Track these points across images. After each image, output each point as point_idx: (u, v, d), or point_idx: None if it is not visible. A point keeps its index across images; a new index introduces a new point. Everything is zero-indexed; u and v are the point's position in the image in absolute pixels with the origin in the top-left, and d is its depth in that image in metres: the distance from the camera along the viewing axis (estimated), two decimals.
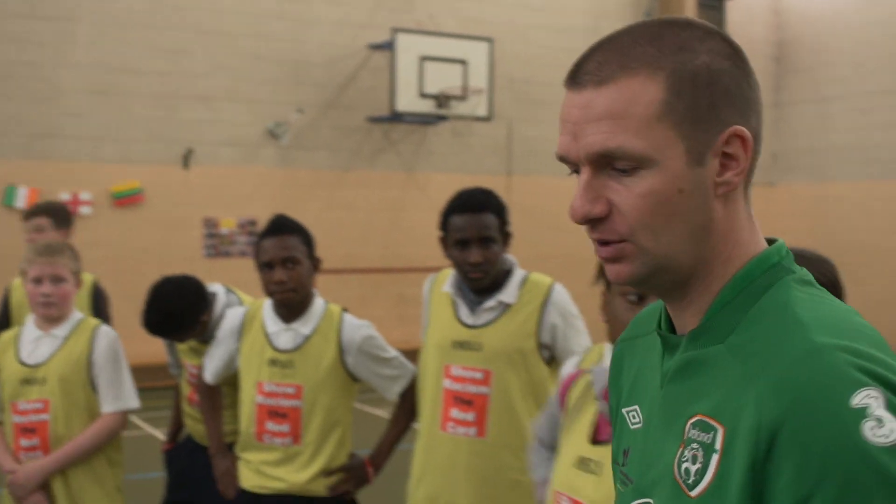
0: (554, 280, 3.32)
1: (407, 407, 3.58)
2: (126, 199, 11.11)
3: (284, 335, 3.43)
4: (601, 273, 2.15)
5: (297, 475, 3.39)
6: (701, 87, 1.09)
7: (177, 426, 4.35)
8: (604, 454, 2.07)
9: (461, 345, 3.26)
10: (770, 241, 1.16)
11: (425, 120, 12.46)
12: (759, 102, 1.14)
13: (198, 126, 11.51)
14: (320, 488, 3.40)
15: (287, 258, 3.34)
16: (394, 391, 3.55)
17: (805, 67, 15.09)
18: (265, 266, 3.36)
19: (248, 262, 8.85)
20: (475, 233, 3.17)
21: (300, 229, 3.44)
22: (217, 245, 11.49)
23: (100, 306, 4.66)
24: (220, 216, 11.57)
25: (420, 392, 3.41)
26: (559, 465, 2.19)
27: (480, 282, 3.23)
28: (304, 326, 3.43)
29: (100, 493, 3.56)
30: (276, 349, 3.42)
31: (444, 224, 3.25)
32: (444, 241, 3.27)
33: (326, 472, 3.41)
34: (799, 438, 0.96)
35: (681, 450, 1.07)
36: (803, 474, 0.95)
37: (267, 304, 3.50)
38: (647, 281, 1.13)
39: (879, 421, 0.94)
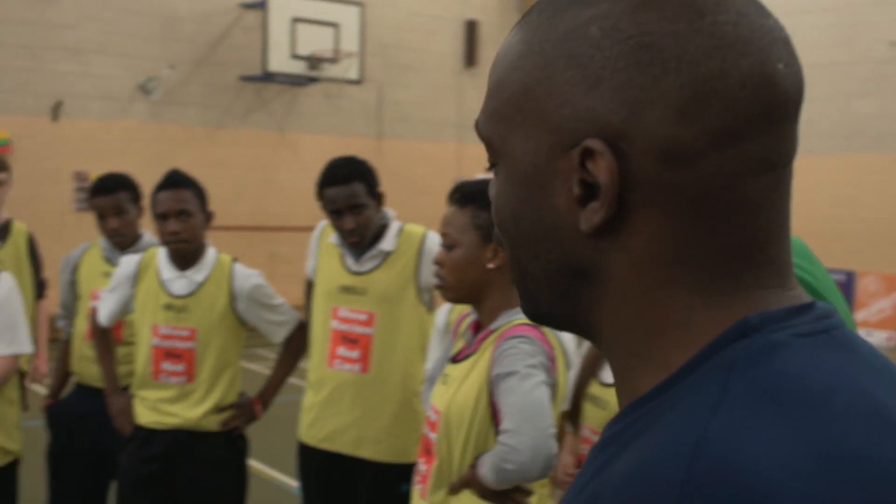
0: (427, 229, 3.67)
1: (291, 350, 3.88)
2: None
3: (179, 282, 3.68)
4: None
5: (190, 411, 3.65)
6: None
7: (60, 382, 4.41)
8: (455, 370, 2.46)
9: (347, 289, 3.61)
10: None
11: (297, 81, 12.60)
12: None
13: (67, 78, 11.39)
14: (212, 424, 3.67)
15: (181, 210, 3.58)
16: (280, 335, 3.84)
17: None
18: (160, 217, 3.59)
19: None
20: (345, 203, 3.51)
21: (193, 184, 3.68)
22: (88, 199, 11.41)
23: (37, 258, 4.86)
24: (91, 170, 11.50)
25: (311, 333, 3.74)
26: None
27: (358, 245, 3.58)
28: (197, 274, 3.68)
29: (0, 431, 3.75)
30: (170, 295, 3.66)
31: (320, 196, 3.57)
32: (324, 210, 3.59)
33: (218, 409, 3.68)
34: None
35: None
36: None
37: (161, 253, 3.74)
38: None
39: None
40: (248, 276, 3.74)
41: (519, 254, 0.78)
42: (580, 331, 0.79)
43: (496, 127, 0.76)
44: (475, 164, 14.68)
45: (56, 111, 11.28)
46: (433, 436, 2.45)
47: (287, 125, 12.98)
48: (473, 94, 14.70)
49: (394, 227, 3.67)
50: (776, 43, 0.70)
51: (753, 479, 0.59)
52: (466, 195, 2.46)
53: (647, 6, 0.69)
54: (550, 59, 0.71)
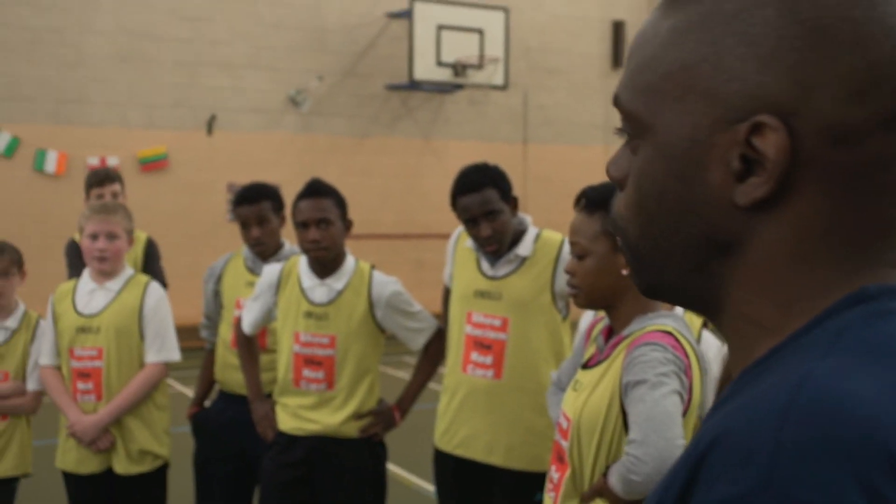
0: (565, 236, 3.59)
1: (430, 357, 3.88)
2: (152, 165, 11.41)
3: (319, 290, 3.71)
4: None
5: (330, 418, 3.68)
6: None
7: (205, 390, 4.51)
8: (586, 376, 2.41)
9: (482, 294, 3.57)
10: None
11: (442, 88, 12.68)
12: None
13: (220, 93, 11.77)
14: (352, 430, 3.69)
15: (321, 219, 3.63)
16: (418, 342, 3.84)
17: None
18: (301, 226, 3.64)
19: None
20: (479, 210, 3.44)
21: (334, 193, 3.72)
22: None
23: (152, 260, 5.15)
24: (243, 181, 11.84)
25: (448, 338, 3.72)
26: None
27: (496, 252, 3.53)
28: (337, 282, 3.72)
29: (149, 435, 3.87)
30: (311, 302, 3.70)
31: (454, 206, 3.53)
32: (459, 220, 3.56)
33: (357, 416, 3.70)
34: None
35: None
36: None
37: (302, 261, 3.79)
38: None
39: None
40: (386, 284, 3.75)
41: (653, 228, 0.79)
42: (698, 303, 0.81)
43: (647, 101, 0.78)
44: None
45: (210, 125, 11.67)
46: (565, 443, 2.40)
47: (433, 132, 13.07)
48: None
49: (531, 232, 3.62)
50: None
51: (852, 410, 0.62)
52: (594, 201, 2.40)
53: None
54: (718, 37, 0.73)
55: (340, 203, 3.72)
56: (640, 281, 0.84)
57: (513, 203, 3.55)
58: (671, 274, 0.80)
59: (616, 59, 14.33)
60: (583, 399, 2.37)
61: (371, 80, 12.60)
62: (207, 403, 4.48)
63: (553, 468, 2.47)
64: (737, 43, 0.73)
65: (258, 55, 11.97)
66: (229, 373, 4.27)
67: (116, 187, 5.26)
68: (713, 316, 0.80)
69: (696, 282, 0.79)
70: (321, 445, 3.69)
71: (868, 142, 0.71)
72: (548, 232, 3.62)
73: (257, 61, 11.96)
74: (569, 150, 13.73)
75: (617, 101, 0.81)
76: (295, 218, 3.66)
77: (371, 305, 3.70)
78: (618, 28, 14.32)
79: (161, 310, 3.90)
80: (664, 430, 2.14)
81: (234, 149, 11.83)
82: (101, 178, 5.26)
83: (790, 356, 0.70)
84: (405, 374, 8.46)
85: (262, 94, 12.02)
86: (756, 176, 0.72)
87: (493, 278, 3.58)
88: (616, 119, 14.41)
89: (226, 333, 4.27)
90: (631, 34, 14.43)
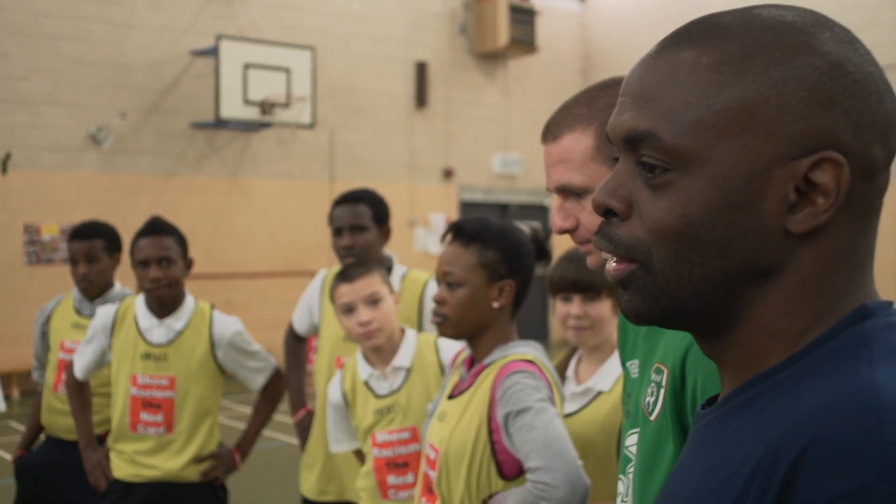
0: (431, 275, 3.67)
1: (269, 397, 3.85)
2: None
3: (158, 330, 3.63)
4: None
5: (170, 462, 3.58)
6: None
7: (32, 434, 4.33)
8: (452, 406, 2.43)
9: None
10: None
11: (249, 126, 12.56)
12: None
13: (17, 130, 11.23)
14: (193, 474, 3.60)
15: (162, 257, 3.56)
16: (258, 382, 3.80)
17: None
18: (141, 264, 3.56)
19: None
20: (348, 221, 3.58)
21: (175, 231, 3.67)
22: (38, 252, 11.24)
23: None
24: (42, 222, 11.33)
25: (316, 379, 3.70)
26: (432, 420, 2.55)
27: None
28: (176, 322, 3.64)
29: None
30: (149, 343, 3.61)
31: (330, 220, 3.62)
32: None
33: (198, 459, 3.62)
34: (694, 364, 1.32)
35: (647, 389, 1.42)
36: (700, 384, 1.31)
37: (139, 301, 3.69)
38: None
39: None
40: (228, 323, 3.71)
41: (693, 254, 0.84)
42: (706, 324, 0.87)
43: (697, 136, 0.83)
44: (427, 204, 14.71)
45: (5, 163, 11.11)
46: (433, 474, 2.42)
47: (240, 171, 12.91)
48: (424, 134, 14.75)
49: (397, 271, 3.68)
50: None
51: None
52: (470, 234, 2.45)
53: (853, 51, 0.84)
54: (778, 81, 0.81)
55: (181, 241, 3.67)
56: (649, 307, 0.87)
57: (384, 232, 3.64)
58: (696, 298, 0.85)
59: (419, 99, 14.59)
60: (450, 429, 2.40)
61: (176, 117, 12.33)
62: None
63: (423, 500, 2.49)
64: (798, 88, 0.81)
65: (57, 91, 11.50)
66: (54, 417, 4.10)
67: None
68: (719, 333, 0.87)
69: (720, 304, 0.85)
70: (160, 491, 3.59)
71: (879, 178, 0.85)
72: (415, 271, 3.71)
73: (56, 97, 11.49)
74: (375, 186, 13.78)
75: (651, 136, 0.85)
76: (135, 256, 3.58)
77: (213, 345, 3.65)
78: (421, 69, 14.60)
79: None
80: (566, 453, 2.16)
81: (32, 188, 11.29)
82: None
83: (821, 367, 0.79)
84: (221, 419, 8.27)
85: (62, 132, 11.55)
86: (811, 206, 0.81)
87: None
88: (420, 157, 14.65)
89: (50, 377, 4.11)
90: (433, 75, 14.74)
